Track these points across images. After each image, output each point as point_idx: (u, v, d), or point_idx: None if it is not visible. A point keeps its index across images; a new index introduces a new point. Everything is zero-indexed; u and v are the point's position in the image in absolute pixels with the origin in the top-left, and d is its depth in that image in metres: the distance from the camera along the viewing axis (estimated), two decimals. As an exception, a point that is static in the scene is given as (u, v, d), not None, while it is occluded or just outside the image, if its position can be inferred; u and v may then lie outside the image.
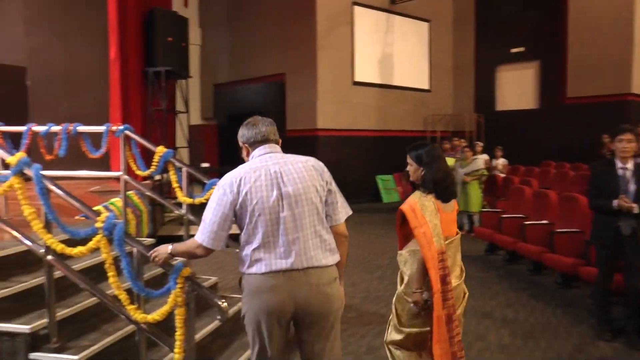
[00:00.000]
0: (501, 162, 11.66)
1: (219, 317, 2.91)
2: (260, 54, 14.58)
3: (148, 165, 5.23)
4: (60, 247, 3.16)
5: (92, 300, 3.67)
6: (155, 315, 3.01)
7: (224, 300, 2.89)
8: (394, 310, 3.59)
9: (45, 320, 3.37)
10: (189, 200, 4.89)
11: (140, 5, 10.60)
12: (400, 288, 3.52)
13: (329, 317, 2.83)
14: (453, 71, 17.04)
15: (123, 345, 3.69)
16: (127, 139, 5.12)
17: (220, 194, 2.76)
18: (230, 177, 2.79)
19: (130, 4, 10.20)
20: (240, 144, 3.01)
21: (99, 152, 5.31)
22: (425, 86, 16.24)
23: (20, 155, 3.26)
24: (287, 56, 13.94)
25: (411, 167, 3.53)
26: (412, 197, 3.46)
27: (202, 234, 2.76)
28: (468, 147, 10.88)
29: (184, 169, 4.94)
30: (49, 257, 3.32)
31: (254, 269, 2.74)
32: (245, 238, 2.77)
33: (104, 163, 7.25)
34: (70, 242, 3.34)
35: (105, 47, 9.74)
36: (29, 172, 3.22)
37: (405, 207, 3.41)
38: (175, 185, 4.97)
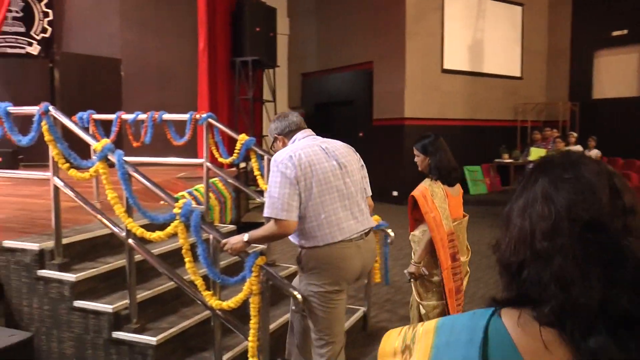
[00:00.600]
0: (594, 153, 11.02)
1: (293, 307, 2.90)
2: (348, 42, 14.50)
3: (231, 152, 5.28)
4: (139, 231, 3.25)
5: (172, 283, 3.77)
6: (230, 303, 3.04)
7: (298, 291, 2.87)
8: (414, 289, 3.82)
9: (126, 302, 3.49)
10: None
11: (230, -4, 10.81)
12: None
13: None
14: (547, 57, 16.25)
15: (199, 329, 3.77)
16: (210, 126, 5.20)
17: (282, 169, 2.80)
18: (288, 153, 2.86)
19: (219, -6, 10.41)
20: (274, 137, 3.15)
21: (182, 140, 5.43)
22: (517, 73, 15.58)
23: (105, 142, 3.37)
24: (375, 44, 13.78)
25: (418, 157, 3.76)
26: (423, 184, 3.70)
27: (274, 209, 2.76)
28: (560, 137, 10.35)
29: (266, 157, 4.97)
30: (130, 241, 3.42)
31: (328, 239, 2.83)
32: (310, 210, 2.82)
33: (190, 150, 7.46)
34: (152, 227, 3.44)
35: (195, 38, 9.99)
36: (112, 158, 3.32)
37: (416, 193, 3.64)
38: (257, 172, 5.01)
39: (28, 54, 10.59)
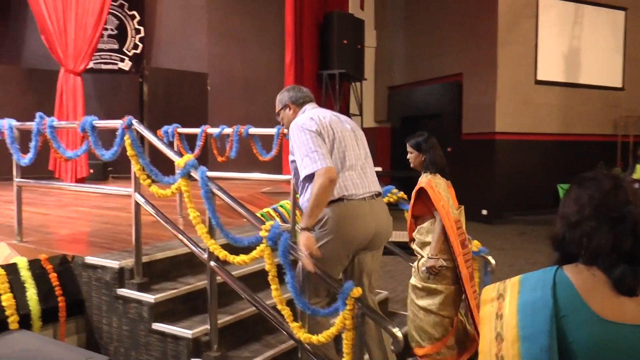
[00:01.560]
0: None
1: (392, 347, 2.57)
2: (436, 54, 14.06)
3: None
4: (222, 254, 3.04)
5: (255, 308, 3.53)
6: (321, 338, 2.76)
7: (398, 329, 2.55)
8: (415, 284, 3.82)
9: (207, 327, 3.29)
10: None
11: (317, 8, 10.70)
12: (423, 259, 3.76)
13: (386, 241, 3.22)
14: (653, 67, 15.13)
15: (284, 360, 3.51)
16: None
17: (308, 127, 2.92)
18: (308, 117, 3.01)
19: (307, 8, 10.32)
20: (285, 104, 3.24)
21: (269, 155, 5.25)
22: (618, 84, 14.55)
23: (188, 157, 3.20)
24: (465, 55, 13.26)
25: (412, 154, 3.91)
26: (423, 178, 3.80)
27: (314, 161, 2.80)
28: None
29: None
30: (212, 263, 3.22)
31: (351, 193, 2.92)
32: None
33: (276, 165, 7.29)
34: (235, 247, 3.22)
35: (282, 51, 9.92)
36: (195, 174, 3.15)
37: (424, 185, 3.71)
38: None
39: (120, 70, 10.88)
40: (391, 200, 4.57)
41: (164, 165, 3.51)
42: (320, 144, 2.85)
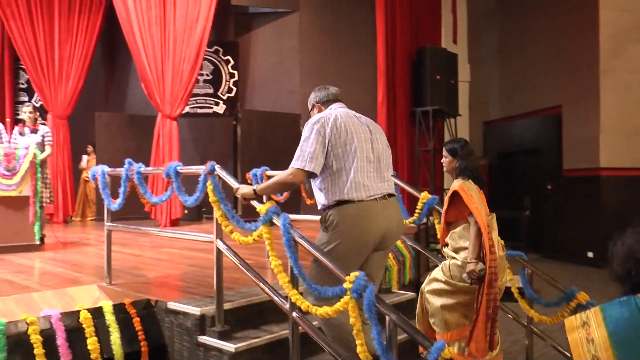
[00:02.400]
0: None
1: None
2: (533, 86, 13.48)
3: (411, 210, 4.91)
4: (305, 305, 2.87)
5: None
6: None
7: None
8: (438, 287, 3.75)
9: (290, 382, 3.12)
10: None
11: (410, 45, 10.63)
12: (454, 260, 3.72)
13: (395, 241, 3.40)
14: None
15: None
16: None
17: (317, 128, 3.02)
18: (324, 116, 3.09)
19: (399, 44, 10.26)
20: (312, 104, 3.40)
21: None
22: None
23: (270, 204, 3.10)
24: (563, 86, 12.60)
25: (446, 159, 3.98)
26: (456, 183, 3.81)
27: (301, 160, 2.98)
28: None
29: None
30: (294, 314, 3.06)
31: (362, 194, 2.97)
32: (341, 167, 3.00)
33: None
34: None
35: (374, 90, 9.87)
36: (277, 221, 3.03)
37: (457, 188, 3.71)
38: (439, 234, 4.51)
39: (215, 113, 11.19)
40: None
41: (248, 208, 3.44)
42: (318, 149, 2.98)
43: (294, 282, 3.02)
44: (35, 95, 11.59)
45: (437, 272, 3.80)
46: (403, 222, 3.29)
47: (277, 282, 3.18)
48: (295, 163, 3.00)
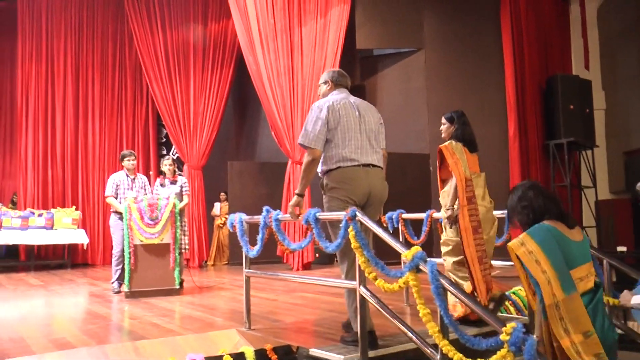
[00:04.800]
0: None
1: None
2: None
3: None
4: (457, 357, 2.69)
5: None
6: None
7: None
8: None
9: None
10: (613, 301, 3.97)
11: (539, 74, 10.21)
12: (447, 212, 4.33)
13: (383, 202, 4.05)
14: None
15: None
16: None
17: (318, 111, 3.83)
18: (325, 102, 3.87)
19: (528, 74, 9.89)
20: (326, 80, 4.13)
21: (500, 240, 4.84)
22: None
23: (416, 250, 2.97)
24: None
25: (444, 125, 4.54)
26: (446, 143, 4.36)
27: (307, 138, 3.80)
28: None
29: (605, 261, 4.08)
30: (445, 366, 2.88)
31: (348, 163, 3.78)
32: (336, 143, 3.80)
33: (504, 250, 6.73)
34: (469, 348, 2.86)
35: (504, 124, 9.56)
36: (424, 267, 2.90)
37: (442, 146, 4.30)
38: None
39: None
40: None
41: (388, 249, 3.35)
42: (320, 129, 3.77)
43: (444, 331, 2.85)
44: (173, 148, 12.34)
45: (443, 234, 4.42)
46: (386, 187, 3.98)
47: (420, 328, 3.05)
48: (302, 140, 3.80)
